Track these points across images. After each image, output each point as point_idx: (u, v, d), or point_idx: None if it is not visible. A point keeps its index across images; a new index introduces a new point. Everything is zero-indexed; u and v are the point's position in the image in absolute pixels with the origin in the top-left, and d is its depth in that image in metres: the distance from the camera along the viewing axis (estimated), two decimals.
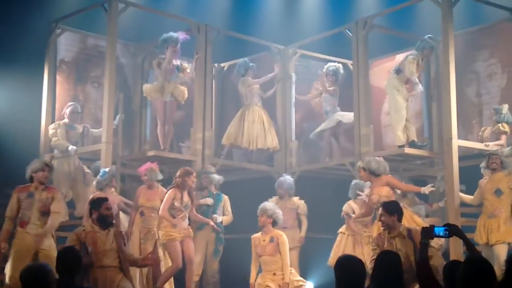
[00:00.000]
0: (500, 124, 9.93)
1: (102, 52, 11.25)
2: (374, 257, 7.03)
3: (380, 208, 7.48)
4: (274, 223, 8.88)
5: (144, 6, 11.93)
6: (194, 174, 9.23)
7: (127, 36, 11.87)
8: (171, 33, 10.67)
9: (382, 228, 7.44)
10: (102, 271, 7.05)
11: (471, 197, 9.37)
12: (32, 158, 10.27)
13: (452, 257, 8.72)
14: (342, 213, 9.76)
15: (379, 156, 10.12)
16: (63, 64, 11.35)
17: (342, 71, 11.71)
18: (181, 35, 10.68)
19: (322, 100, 11.81)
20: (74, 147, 10.45)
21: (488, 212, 9.03)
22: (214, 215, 10.06)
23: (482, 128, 10.22)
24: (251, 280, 8.69)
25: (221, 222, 10.15)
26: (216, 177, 10.31)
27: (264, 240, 8.77)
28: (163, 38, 10.72)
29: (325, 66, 11.81)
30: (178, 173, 9.13)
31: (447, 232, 5.27)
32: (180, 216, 8.88)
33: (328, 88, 11.65)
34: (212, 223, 9.73)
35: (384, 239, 7.31)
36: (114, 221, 7.79)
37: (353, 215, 9.61)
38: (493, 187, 9.03)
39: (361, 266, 4.65)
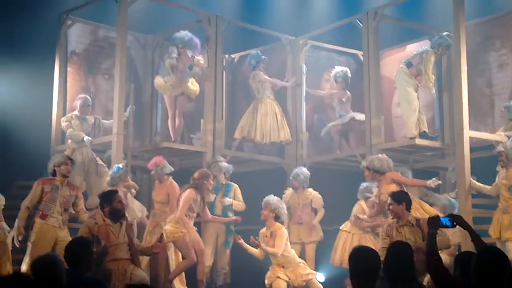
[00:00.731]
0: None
1: (112, 44, 11.22)
2: (385, 246, 7.03)
3: (389, 198, 7.47)
4: (277, 218, 8.88)
5: None
6: (211, 177, 9.27)
7: (138, 27, 11.84)
8: (184, 35, 10.66)
9: (391, 218, 7.41)
10: (115, 263, 7.07)
11: (489, 187, 9.30)
12: (43, 150, 10.36)
13: (463, 248, 8.66)
14: (352, 216, 9.70)
15: (389, 148, 10.10)
16: (74, 55, 11.33)
17: (349, 74, 11.65)
18: (193, 41, 10.63)
19: (335, 104, 11.78)
20: (90, 138, 10.42)
21: (503, 207, 8.98)
22: (223, 198, 10.04)
23: (498, 132, 10.09)
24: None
25: (231, 205, 10.11)
26: (225, 165, 10.26)
27: (266, 236, 8.78)
28: (175, 37, 10.75)
29: (333, 72, 11.75)
30: (197, 175, 9.12)
31: (451, 222, 5.27)
32: (191, 216, 8.91)
33: (342, 99, 11.59)
34: (233, 219, 9.74)
35: (393, 228, 7.30)
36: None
37: (364, 216, 9.55)
38: (507, 183, 8.97)
39: (376, 257, 4.62)
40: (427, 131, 10.23)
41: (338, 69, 11.72)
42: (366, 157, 9.49)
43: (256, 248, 8.83)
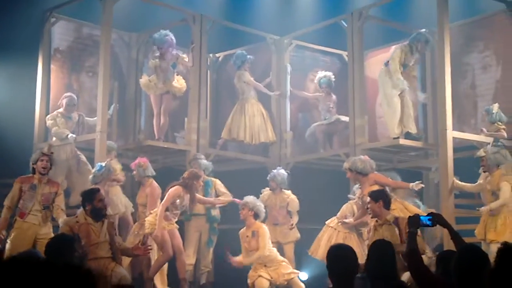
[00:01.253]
0: (495, 124, 9.92)
1: (96, 42, 11.15)
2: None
3: (367, 197, 7.51)
4: (256, 216, 8.90)
5: None
6: (201, 179, 9.21)
7: (122, 25, 11.80)
8: (159, 34, 10.63)
9: (370, 217, 7.43)
10: (96, 261, 7.04)
11: (470, 185, 9.35)
12: (26, 147, 10.27)
13: (446, 247, 8.69)
14: (338, 214, 9.70)
15: (373, 148, 10.12)
16: (57, 53, 11.27)
17: (331, 77, 11.67)
18: (166, 38, 10.60)
19: (320, 109, 11.82)
20: (73, 135, 10.36)
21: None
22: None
23: (482, 134, 10.13)
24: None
25: (216, 214, 10.12)
26: (205, 162, 10.18)
27: (247, 236, 8.79)
28: (153, 38, 10.76)
29: (316, 78, 11.78)
30: (187, 175, 9.11)
31: (431, 221, 5.27)
32: (173, 212, 8.86)
33: (328, 104, 11.63)
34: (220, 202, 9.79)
35: (372, 228, 7.32)
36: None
37: (349, 220, 9.53)
38: (491, 188, 9.04)
39: (353, 255, 4.62)
40: (412, 131, 10.23)
41: (321, 74, 11.74)
42: (348, 159, 9.48)
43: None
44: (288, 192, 10.36)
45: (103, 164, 9.34)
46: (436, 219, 5.32)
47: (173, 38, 10.68)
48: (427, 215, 5.36)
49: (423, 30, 10.36)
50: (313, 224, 10.29)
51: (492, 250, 8.62)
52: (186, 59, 10.90)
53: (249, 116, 11.49)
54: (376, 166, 9.31)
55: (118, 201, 9.65)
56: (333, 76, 11.72)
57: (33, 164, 8.55)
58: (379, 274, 4.99)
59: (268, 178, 10.45)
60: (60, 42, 11.34)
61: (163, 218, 8.76)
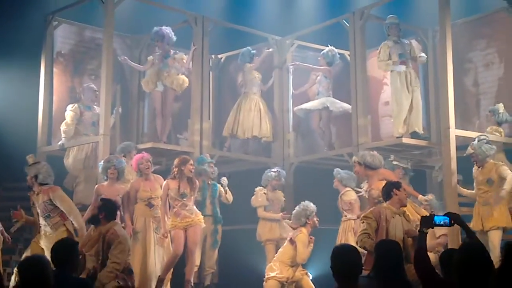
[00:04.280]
0: (501, 124, 10.06)
1: (99, 45, 11.22)
2: (365, 229, 7.05)
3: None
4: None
5: None
6: (191, 162, 9.17)
7: (124, 28, 11.83)
8: (155, 29, 10.77)
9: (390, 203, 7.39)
10: None
11: (473, 192, 9.40)
12: (30, 151, 10.34)
13: (450, 245, 8.74)
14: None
15: (376, 147, 10.16)
16: (60, 56, 11.33)
17: (333, 53, 11.67)
18: (160, 31, 10.69)
19: (316, 82, 11.80)
20: (62, 142, 10.63)
21: (482, 200, 9.11)
22: (223, 177, 10.22)
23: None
24: None
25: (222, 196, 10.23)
26: (205, 169, 10.18)
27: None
28: (151, 34, 10.91)
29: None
30: (174, 163, 9.12)
31: (448, 221, 5.24)
32: (178, 205, 8.87)
33: (320, 67, 11.63)
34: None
35: (385, 213, 7.22)
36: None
37: (352, 215, 9.64)
38: (484, 177, 9.13)
39: (356, 255, 4.65)
40: (419, 130, 10.28)
41: (325, 49, 11.77)
42: (358, 153, 9.56)
43: None
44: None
45: (101, 162, 9.32)
46: (454, 218, 5.28)
47: (167, 31, 10.73)
48: (444, 215, 5.33)
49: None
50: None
51: (491, 239, 8.71)
52: (185, 60, 10.95)
53: (244, 111, 11.59)
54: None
55: None
56: (333, 52, 11.69)
57: None
58: (387, 274, 5.03)
59: (278, 177, 10.49)
60: (63, 45, 11.41)
61: (173, 215, 8.80)
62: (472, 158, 9.26)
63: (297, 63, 11.99)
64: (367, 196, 9.16)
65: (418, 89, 10.38)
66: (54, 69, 11.24)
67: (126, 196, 9.16)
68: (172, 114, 11.14)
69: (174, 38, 10.85)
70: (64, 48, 11.42)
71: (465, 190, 9.49)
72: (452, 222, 5.25)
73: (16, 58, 11.12)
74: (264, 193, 10.52)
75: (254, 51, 11.83)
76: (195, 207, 9.05)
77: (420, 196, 9.16)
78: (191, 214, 8.95)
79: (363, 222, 7.27)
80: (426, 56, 10.66)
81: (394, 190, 7.44)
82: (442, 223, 5.24)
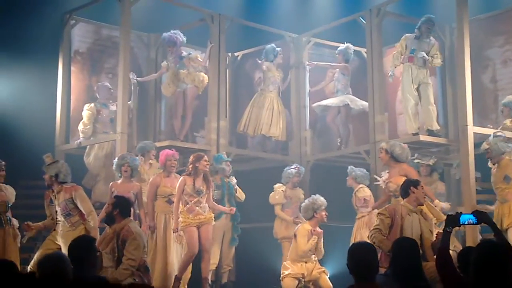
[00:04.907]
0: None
1: (116, 43, 11.28)
2: (378, 224, 7.04)
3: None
4: None
5: None
6: (205, 158, 9.15)
7: (141, 26, 11.89)
8: (165, 36, 10.89)
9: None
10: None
11: (447, 205, 9.45)
12: (48, 149, 10.42)
13: (468, 244, 8.71)
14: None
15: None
16: (77, 55, 11.40)
17: (351, 50, 11.67)
18: (173, 37, 10.75)
19: (334, 79, 11.79)
20: (79, 140, 10.76)
21: (501, 198, 9.05)
22: (231, 177, 10.20)
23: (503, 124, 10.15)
24: None
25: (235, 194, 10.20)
26: (223, 167, 10.20)
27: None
28: (162, 38, 11.08)
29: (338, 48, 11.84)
30: (189, 160, 9.15)
31: (475, 219, 5.19)
32: (193, 202, 8.88)
33: (338, 64, 11.63)
34: (228, 210, 9.66)
35: (401, 211, 7.20)
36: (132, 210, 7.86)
37: (367, 209, 9.64)
38: (501, 174, 9.06)
39: (373, 253, 4.65)
40: (431, 127, 10.25)
41: (342, 46, 11.75)
42: (389, 141, 9.55)
43: None
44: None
45: (115, 159, 9.39)
46: (481, 216, 5.20)
47: (179, 36, 10.79)
48: (471, 213, 5.29)
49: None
50: (334, 222, 10.34)
51: (510, 237, 8.67)
52: (200, 59, 10.99)
53: (258, 108, 11.61)
54: None
55: None
56: (351, 49, 11.68)
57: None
58: (404, 273, 5.02)
59: (298, 173, 10.49)
60: (80, 44, 11.47)
61: (185, 211, 8.82)
62: (487, 155, 9.21)
63: (315, 62, 11.99)
64: (383, 187, 9.16)
65: (429, 86, 10.30)
66: (72, 68, 11.30)
67: (140, 194, 9.25)
68: (193, 110, 11.18)
69: (185, 39, 10.89)
70: (82, 46, 11.48)
71: (487, 206, 9.41)
72: (479, 220, 5.21)
73: (34, 56, 11.19)
74: (283, 190, 10.52)
75: (279, 49, 11.81)
76: (207, 206, 9.05)
77: (437, 201, 9.07)
78: (204, 212, 8.95)
79: (378, 218, 7.28)
80: (441, 62, 10.53)
81: (411, 187, 7.42)
82: (468, 222, 5.18)
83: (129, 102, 10.81)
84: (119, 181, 9.25)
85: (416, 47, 10.24)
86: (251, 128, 11.65)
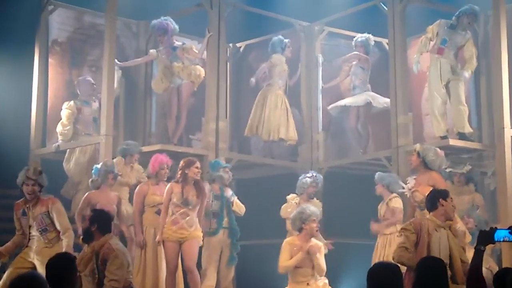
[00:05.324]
0: None
1: (100, 31, 11.29)
2: (403, 242, 7.03)
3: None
4: None
5: None
6: (197, 164, 9.14)
7: (129, 13, 11.91)
8: (154, 23, 10.97)
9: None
10: None
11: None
12: (22, 153, 10.41)
13: (504, 264, 8.70)
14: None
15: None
16: (56, 45, 11.41)
17: (372, 42, 11.74)
18: (164, 24, 10.84)
19: (351, 73, 11.81)
20: (58, 143, 10.75)
21: None
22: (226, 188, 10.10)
23: None
24: None
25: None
26: (220, 175, 10.19)
27: None
28: (150, 27, 11.20)
29: (354, 38, 11.82)
30: (179, 165, 9.16)
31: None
32: (179, 212, 8.87)
33: (358, 56, 11.65)
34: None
35: (427, 226, 7.20)
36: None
37: (384, 223, 9.61)
38: None
39: (396, 272, 4.65)
40: (462, 130, 10.24)
41: (360, 35, 11.79)
42: (423, 144, 9.51)
43: None
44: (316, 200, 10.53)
45: (99, 165, 9.40)
46: None
47: (170, 23, 10.86)
48: (508, 228, 5.26)
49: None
50: (350, 239, 10.33)
51: None
52: (196, 50, 11.01)
53: (270, 109, 11.59)
54: None
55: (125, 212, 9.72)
56: (372, 40, 11.74)
57: (20, 186, 8.49)
58: None
59: (315, 182, 10.47)
60: (59, 32, 11.48)
61: (169, 223, 8.81)
62: None
63: (333, 60, 12.00)
64: (408, 196, 9.13)
65: (460, 82, 10.29)
66: (50, 60, 11.32)
67: (120, 206, 9.29)
68: (188, 109, 11.24)
69: (177, 27, 10.95)
70: (61, 35, 11.49)
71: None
72: None
73: (5, 47, 11.17)
74: (296, 202, 10.42)
75: (287, 40, 11.82)
76: (197, 221, 9.03)
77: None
78: (189, 227, 8.90)
79: (401, 234, 7.25)
80: (470, 73, 10.51)
81: (440, 199, 7.39)
82: (504, 239, 5.16)
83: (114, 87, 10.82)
84: (97, 191, 9.22)
85: (448, 38, 10.24)
86: (265, 132, 11.59)
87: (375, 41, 11.86)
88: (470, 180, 10.48)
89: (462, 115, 10.26)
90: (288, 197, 10.46)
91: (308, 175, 10.58)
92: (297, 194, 10.51)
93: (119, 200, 9.31)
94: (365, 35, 11.76)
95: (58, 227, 8.27)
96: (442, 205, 7.35)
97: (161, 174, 9.42)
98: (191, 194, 8.93)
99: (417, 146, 9.29)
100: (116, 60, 10.83)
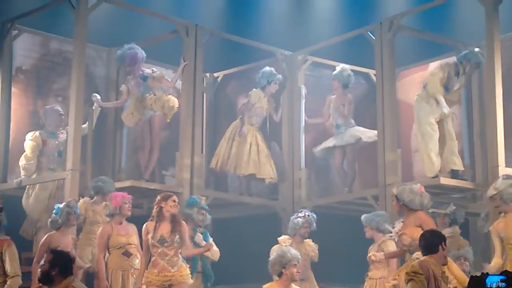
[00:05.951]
0: None
1: (68, 59, 11.24)
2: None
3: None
4: None
5: (120, 2, 11.85)
6: (174, 198, 8.90)
7: (99, 39, 11.85)
8: (120, 53, 11.02)
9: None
10: None
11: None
12: None
13: None
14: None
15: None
16: (20, 73, 11.33)
17: (348, 73, 11.64)
18: (133, 53, 10.84)
19: (331, 113, 11.77)
20: (20, 179, 10.61)
21: None
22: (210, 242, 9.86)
23: None
24: None
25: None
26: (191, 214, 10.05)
27: None
28: (116, 56, 11.25)
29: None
30: (155, 200, 9.00)
31: (505, 283, 5.11)
32: (157, 253, 8.67)
33: (340, 105, 11.60)
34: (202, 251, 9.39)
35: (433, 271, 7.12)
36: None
37: (379, 254, 9.47)
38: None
39: None
40: (457, 167, 10.21)
41: (337, 69, 11.72)
42: (399, 184, 9.41)
43: None
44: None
45: (61, 205, 9.25)
46: None
47: (138, 51, 10.87)
48: (500, 274, 5.19)
49: (476, 49, 10.33)
50: (335, 285, 10.19)
51: None
52: (168, 79, 11.01)
53: (238, 142, 11.58)
54: None
55: (84, 255, 9.54)
56: (349, 71, 11.67)
57: None
58: None
59: (307, 223, 10.29)
60: (24, 59, 11.41)
61: (150, 266, 8.61)
62: (494, 202, 8.95)
63: (312, 120, 12.09)
64: (395, 240, 9.00)
65: (449, 119, 10.33)
66: (13, 89, 11.22)
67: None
68: (160, 142, 11.16)
69: (145, 54, 10.94)
70: (26, 63, 11.41)
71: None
72: (510, 283, 5.12)
73: None
74: (287, 245, 10.25)
75: (280, 76, 11.76)
76: (181, 259, 8.83)
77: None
78: (171, 267, 8.69)
79: (411, 279, 7.10)
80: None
81: (442, 244, 7.30)
82: (497, 285, 5.10)
83: (83, 126, 10.68)
84: (58, 233, 9.10)
85: (448, 85, 10.24)
86: (231, 166, 11.56)
87: (361, 73, 11.81)
88: (454, 222, 10.36)
89: (454, 151, 10.21)
90: (280, 238, 10.30)
91: (300, 214, 10.43)
92: (289, 236, 10.36)
93: (74, 244, 9.25)
94: (340, 65, 11.69)
95: (8, 271, 8.15)
96: (443, 250, 7.27)
97: (125, 208, 9.28)
98: (166, 231, 8.73)
99: (393, 189, 9.18)
100: (97, 96, 10.84)
